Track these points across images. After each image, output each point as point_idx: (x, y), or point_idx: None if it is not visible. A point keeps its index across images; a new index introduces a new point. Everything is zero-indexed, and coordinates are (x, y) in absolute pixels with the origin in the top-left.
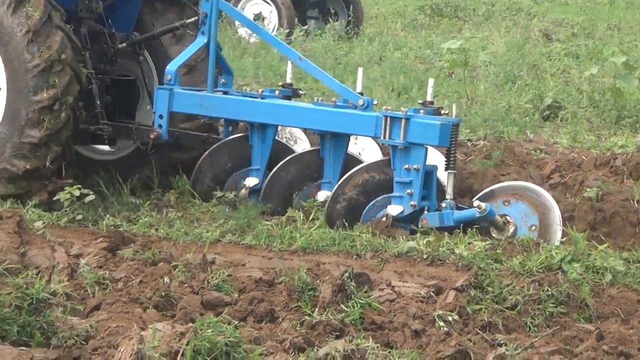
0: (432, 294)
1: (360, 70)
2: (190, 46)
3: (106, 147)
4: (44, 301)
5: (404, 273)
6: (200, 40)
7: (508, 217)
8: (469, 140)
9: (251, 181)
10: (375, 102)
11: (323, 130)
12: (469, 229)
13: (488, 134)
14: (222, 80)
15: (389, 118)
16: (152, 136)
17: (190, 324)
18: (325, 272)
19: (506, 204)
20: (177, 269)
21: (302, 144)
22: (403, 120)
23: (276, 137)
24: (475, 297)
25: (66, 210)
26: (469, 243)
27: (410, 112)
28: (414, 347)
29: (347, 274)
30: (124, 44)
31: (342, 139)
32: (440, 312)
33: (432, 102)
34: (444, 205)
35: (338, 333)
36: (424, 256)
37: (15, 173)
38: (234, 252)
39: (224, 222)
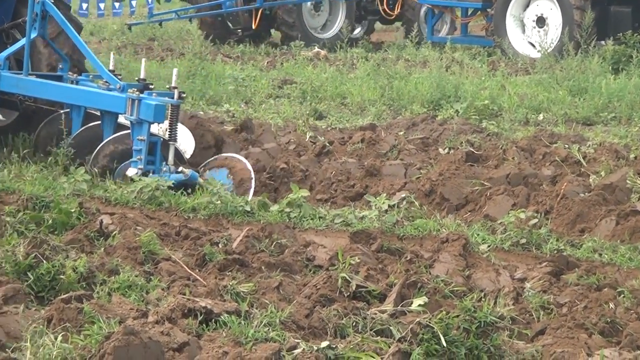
0: None
1: (143, 60)
2: (22, 40)
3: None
4: (491, 324)
5: None
6: (30, 35)
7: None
8: None
9: None
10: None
11: (94, 107)
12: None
13: None
14: (60, 66)
15: (130, 99)
16: None
17: (637, 352)
18: None
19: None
20: (623, 295)
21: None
22: (136, 101)
23: (92, 111)
24: None
25: (509, 234)
26: None
27: (145, 94)
28: None
29: None
30: None
31: (112, 115)
32: None
33: (175, 87)
34: (164, 169)
35: None
36: None
37: None
38: None
39: None
